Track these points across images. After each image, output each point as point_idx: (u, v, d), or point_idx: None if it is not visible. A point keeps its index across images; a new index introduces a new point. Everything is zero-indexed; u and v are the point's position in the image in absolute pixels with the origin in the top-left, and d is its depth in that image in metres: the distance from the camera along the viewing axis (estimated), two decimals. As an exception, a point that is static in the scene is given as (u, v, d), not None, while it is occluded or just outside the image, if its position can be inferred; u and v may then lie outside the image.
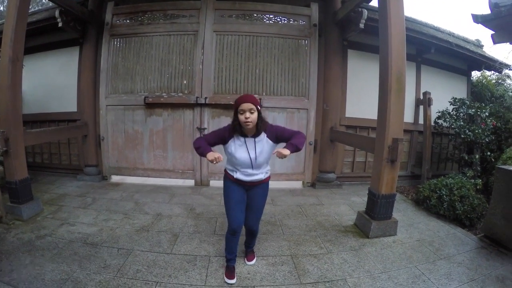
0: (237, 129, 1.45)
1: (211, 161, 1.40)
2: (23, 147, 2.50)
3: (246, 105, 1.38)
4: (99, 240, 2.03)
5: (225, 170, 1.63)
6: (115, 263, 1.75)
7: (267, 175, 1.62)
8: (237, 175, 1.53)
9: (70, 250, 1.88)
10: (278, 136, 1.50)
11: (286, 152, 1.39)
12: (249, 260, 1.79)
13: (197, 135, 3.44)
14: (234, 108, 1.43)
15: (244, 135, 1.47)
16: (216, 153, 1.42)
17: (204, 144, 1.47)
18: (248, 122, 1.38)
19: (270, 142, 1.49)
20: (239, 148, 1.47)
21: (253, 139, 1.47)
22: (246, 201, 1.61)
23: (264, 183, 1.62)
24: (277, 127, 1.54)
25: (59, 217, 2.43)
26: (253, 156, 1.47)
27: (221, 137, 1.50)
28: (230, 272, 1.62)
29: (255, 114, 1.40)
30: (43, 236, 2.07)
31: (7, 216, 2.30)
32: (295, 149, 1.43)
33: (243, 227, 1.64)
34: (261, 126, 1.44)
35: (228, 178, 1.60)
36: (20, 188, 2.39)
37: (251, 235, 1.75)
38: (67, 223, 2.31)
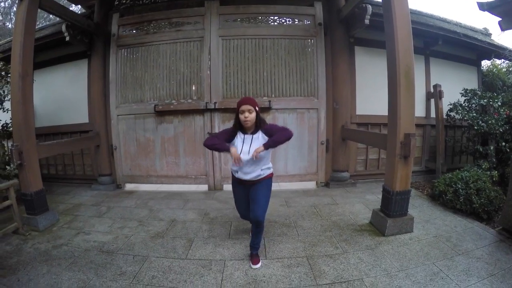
0: (238, 127, 1.71)
1: (234, 157, 1.63)
2: (37, 160, 2.56)
3: (245, 107, 1.64)
4: (115, 248, 2.06)
5: (231, 171, 1.85)
6: (131, 270, 1.77)
7: (268, 172, 1.78)
8: (238, 175, 1.74)
9: (86, 259, 1.91)
10: (270, 132, 1.69)
11: (259, 149, 1.63)
12: (255, 264, 1.78)
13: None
14: (236, 109, 1.69)
15: (245, 132, 1.71)
16: (234, 150, 1.66)
17: (219, 140, 1.70)
18: (247, 120, 1.64)
19: (266, 137, 1.68)
20: (240, 142, 1.69)
21: (251, 135, 1.70)
22: (248, 199, 1.80)
23: (266, 179, 1.77)
24: (271, 125, 1.77)
25: (75, 227, 2.48)
26: (250, 149, 1.66)
27: (230, 134, 1.73)
28: (253, 257, 1.84)
29: (253, 114, 1.65)
30: (59, 246, 2.11)
31: (23, 227, 2.35)
32: (271, 143, 1.65)
33: (250, 222, 1.89)
34: (259, 124, 1.68)
35: (232, 178, 1.86)
36: (36, 199, 2.45)
37: (257, 228, 1.78)
38: (83, 232, 2.35)
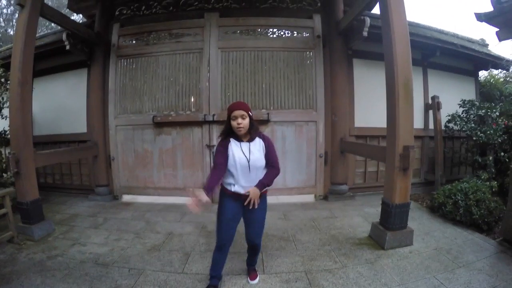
0: (229, 134, 1.53)
1: (195, 196, 1.34)
2: (34, 168, 2.54)
3: (238, 112, 1.46)
4: (110, 260, 2.03)
5: (221, 185, 1.60)
6: (126, 283, 1.74)
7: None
8: (235, 188, 1.52)
9: (81, 271, 1.89)
10: (267, 153, 1.55)
11: (257, 193, 1.49)
12: (252, 279, 1.75)
13: (207, 152, 3.45)
14: (227, 115, 1.51)
15: (240, 140, 1.53)
16: (201, 196, 1.33)
17: (209, 183, 1.43)
18: (240, 127, 1.47)
19: (263, 152, 1.53)
20: (236, 150, 1.51)
21: (248, 143, 1.53)
22: (240, 218, 1.61)
23: (263, 194, 1.60)
24: (271, 145, 1.58)
25: (71, 237, 2.45)
26: (248, 158, 1.50)
27: (224, 149, 1.52)
28: None
29: (247, 120, 1.48)
30: (54, 257, 2.08)
31: (18, 237, 2.32)
32: (264, 187, 1.52)
33: (246, 243, 1.68)
34: (253, 131, 1.53)
35: (224, 193, 1.58)
36: (32, 208, 2.42)
37: (253, 250, 1.71)
38: (78, 243, 2.32)
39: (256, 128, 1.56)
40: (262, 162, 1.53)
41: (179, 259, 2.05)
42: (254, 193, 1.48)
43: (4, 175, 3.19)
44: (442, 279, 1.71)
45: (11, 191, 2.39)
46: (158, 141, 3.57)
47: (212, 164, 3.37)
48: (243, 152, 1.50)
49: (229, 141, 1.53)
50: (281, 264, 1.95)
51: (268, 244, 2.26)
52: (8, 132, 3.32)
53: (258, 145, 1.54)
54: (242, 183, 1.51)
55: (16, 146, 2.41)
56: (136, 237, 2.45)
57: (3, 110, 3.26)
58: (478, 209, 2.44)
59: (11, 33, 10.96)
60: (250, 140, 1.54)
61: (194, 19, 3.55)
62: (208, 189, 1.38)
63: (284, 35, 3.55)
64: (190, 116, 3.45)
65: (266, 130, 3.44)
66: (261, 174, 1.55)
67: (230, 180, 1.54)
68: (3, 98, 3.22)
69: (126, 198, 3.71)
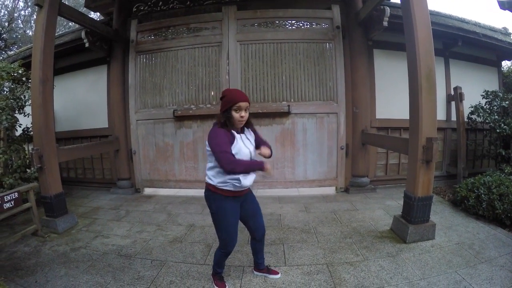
0: (226, 125, 1.35)
1: (268, 171, 1.33)
2: (57, 163, 2.61)
3: (244, 104, 1.33)
4: (133, 252, 2.07)
5: (212, 188, 1.40)
6: (148, 274, 1.77)
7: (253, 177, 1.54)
8: (244, 182, 1.37)
9: (104, 262, 1.93)
10: (257, 138, 1.52)
11: (268, 151, 1.47)
12: (276, 273, 1.72)
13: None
14: (227, 104, 1.32)
15: (237, 131, 1.40)
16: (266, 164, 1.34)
17: (242, 160, 1.33)
18: (243, 121, 1.36)
19: (253, 142, 1.47)
20: (241, 144, 1.38)
21: (244, 135, 1.44)
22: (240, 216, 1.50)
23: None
24: (255, 129, 1.55)
25: (93, 230, 2.51)
26: (251, 149, 1.42)
27: (230, 140, 1.34)
28: (221, 279, 1.64)
29: (248, 113, 1.38)
30: (77, 249, 2.14)
31: (42, 230, 2.41)
32: (271, 153, 1.49)
33: (256, 239, 1.61)
34: (249, 124, 1.46)
35: (219, 196, 1.39)
36: (55, 202, 2.50)
37: (262, 242, 1.65)
38: (101, 236, 2.38)
39: (251, 121, 1.47)
40: (254, 153, 1.46)
41: (201, 250, 2.08)
42: (267, 151, 1.47)
43: (28, 170, 3.29)
44: (464, 274, 1.69)
45: (35, 186, 2.47)
46: (179, 134, 3.61)
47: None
48: (244, 144, 1.40)
49: (231, 132, 1.36)
50: (302, 256, 1.96)
51: (289, 237, 2.27)
52: (31, 129, 3.42)
53: (249, 134, 1.48)
54: (250, 175, 1.40)
55: (39, 142, 2.48)
56: (158, 229, 2.49)
57: (25, 108, 3.35)
58: (501, 204, 2.37)
59: (30, 34, 11.17)
60: (242, 131, 1.45)
61: (211, 12, 3.55)
62: (260, 164, 1.36)
63: (303, 27, 3.51)
64: (211, 109, 3.47)
65: (287, 122, 3.44)
66: None
67: (229, 178, 1.36)
68: (25, 96, 3.32)
69: (148, 191, 3.78)
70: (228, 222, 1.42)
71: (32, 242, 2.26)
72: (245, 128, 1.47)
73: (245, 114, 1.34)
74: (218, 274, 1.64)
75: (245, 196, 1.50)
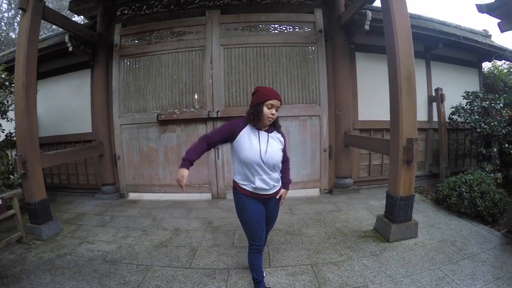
0: (252, 120, 1.35)
1: (178, 180, 1.33)
2: (41, 169, 2.58)
3: (276, 102, 1.34)
4: (118, 257, 2.06)
5: (235, 185, 1.45)
6: (134, 279, 1.77)
7: (279, 185, 1.54)
8: (258, 183, 1.37)
9: (90, 268, 1.92)
10: (284, 149, 1.52)
11: (286, 194, 1.58)
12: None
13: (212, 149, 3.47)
14: (260, 99, 1.33)
15: (259, 128, 1.38)
16: (184, 173, 1.33)
17: (192, 151, 1.38)
18: (272, 118, 1.35)
19: (281, 146, 1.45)
20: (253, 139, 1.36)
21: (267, 133, 1.40)
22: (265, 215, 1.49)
23: (277, 193, 1.53)
24: (285, 139, 1.53)
25: (78, 236, 2.48)
26: (264, 149, 1.35)
27: (232, 130, 1.37)
28: None
29: (277, 113, 1.39)
30: (63, 255, 2.12)
31: (27, 237, 2.37)
32: (288, 182, 1.59)
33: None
34: (278, 125, 1.45)
35: (240, 193, 1.43)
36: (39, 208, 2.46)
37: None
38: (86, 242, 2.36)
39: (279, 124, 1.47)
40: (277, 156, 1.41)
41: (186, 254, 2.08)
42: (283, 195, 1.55)
43: (11, 176, 3.23)
44: (447, 271, 1.73)
45: (18, 192, 2.42)
46: (163, 138, 3.60)
47: (216, 159, 3.46)
48: (259, 143, 1.35)
49: (246, 128, 1.37)
50: (287, 258, 1.97)
51: (274, 238, 2.28)
52: (14, 134, 3.36)
53: (277, 139, 1.44)
54: (261, 174, 1.37)
55: (22, 148, 2.44)
56: (144, 234, 2.48)
57: (8, 113, 3.30)
58: (482, 201, 2.45)
59: (13, 36, 10.99)
60: (269, 130, 1.42)
61: (195, 17, 3.56)
62: (191, 162, 1.36)
63: (286, 31, 3.54)
64: (194, 113, 3.47)
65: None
66: (277, 168, 1.46)
67: (246, 177, 1.40)
68: (7, 101, 3.26)
69: (133, 196, 3.75)
70: (251, 218, 1.42)
71: (17, 250, 2.23)
72: (277, 133, 1.46)
73: (275, 113, 1.36)
74: (258, 283, 1.50)
75: (266, 201, 1.47)
